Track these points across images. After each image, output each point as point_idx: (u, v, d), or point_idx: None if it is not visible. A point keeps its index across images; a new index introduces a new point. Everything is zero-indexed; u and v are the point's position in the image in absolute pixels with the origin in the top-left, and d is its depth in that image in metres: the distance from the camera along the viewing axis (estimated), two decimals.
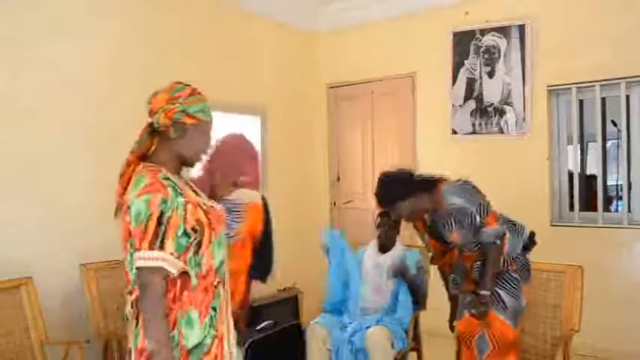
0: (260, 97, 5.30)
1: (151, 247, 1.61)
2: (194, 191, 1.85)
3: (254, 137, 5.25)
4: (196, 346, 1.70)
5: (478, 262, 2.79)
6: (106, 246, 3.76)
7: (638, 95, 4.34)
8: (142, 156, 1.79)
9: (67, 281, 3.56)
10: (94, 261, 3.58)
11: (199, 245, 1.73)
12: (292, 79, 5.77)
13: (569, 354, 3.01)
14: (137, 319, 1.70)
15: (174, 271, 1.65)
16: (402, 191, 2.74)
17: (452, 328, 3.11)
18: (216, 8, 4.85)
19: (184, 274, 1.70)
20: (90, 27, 3.86)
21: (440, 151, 5.13)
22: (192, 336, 1.70)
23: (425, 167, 5.23)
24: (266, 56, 5.39)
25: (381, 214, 3.75)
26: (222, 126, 4.88)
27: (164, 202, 1.63)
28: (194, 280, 1.71)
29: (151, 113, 1.81)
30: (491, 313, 2.71)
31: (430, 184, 2.78)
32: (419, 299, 3.63)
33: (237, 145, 2.84)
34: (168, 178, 1.71)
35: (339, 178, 5.86)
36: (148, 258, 1.61)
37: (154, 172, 1.71)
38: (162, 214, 1.62)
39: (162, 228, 1.62)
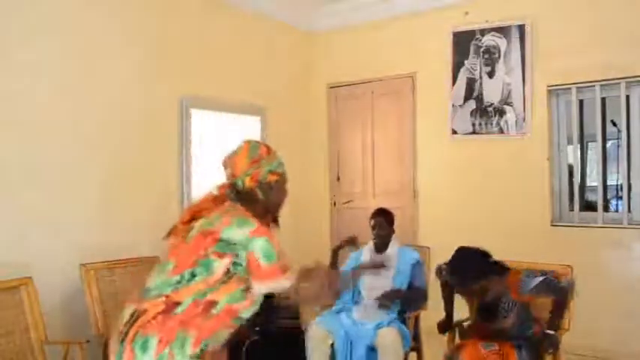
0: (260, 97, 5.30)
1: (281, 276, 1.76)
2: None
3: (254, 137, 5.28)
4: None
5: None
6: (106, 246, 3.78)
7: (638, 95, 4.34)
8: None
9: (67, 281, 3.57)
10: (94, 261, 3.58)
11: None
12: (292, 79, 5.77)
13: (560, 353, 3.02)
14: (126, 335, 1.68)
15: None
16: (475, 271, 2.85)
17: (443, 330, 3.21)
18: (217, 8, 4.85)
19: (212, 302, 1.72)
20: (86, 26, 3.86)
21: (440, 151, 5.14)
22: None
23: (426, 167, 5.25)
24: (266, 56, 5.39)
25: (373, 215, 3.77)
26: (223, 126, 4.92)
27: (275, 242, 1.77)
28: (217, 309, 1.73)
29: (232, 177, 1.86)
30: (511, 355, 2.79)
31: (503, 269, 2.89)
32: (418, 293, 3.62)
33: None
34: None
35: (339, 178, 5.86)
36: (278, 286, 1.78)
37: (263, 227, 1.79)
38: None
39: (284, 260, 1.77)
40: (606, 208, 4.74)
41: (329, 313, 3.61)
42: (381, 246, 3.74)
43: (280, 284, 1.76)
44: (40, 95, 3.57)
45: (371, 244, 3.81)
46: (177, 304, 1.69)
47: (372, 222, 3.77)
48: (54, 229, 3.61)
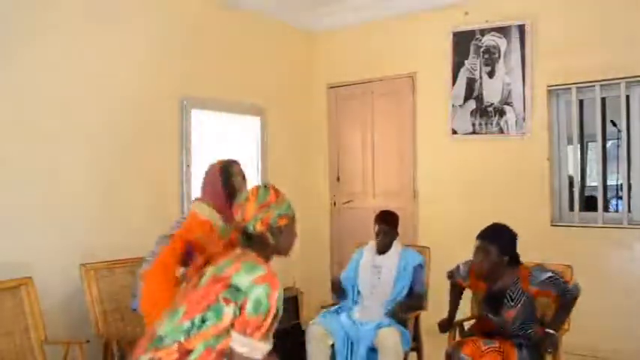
0: (260, 97, 5.30)
1: (262, 340, 1.71)
2: None
3: (254, 137, 5.29)
4: None
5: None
6: (106, 246, 3.78)
7: (638, 95, 4.34)
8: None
9: (67, 281, 3.57)
10: (94, 261, 3.58)
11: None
12: (292, 79, 5.78)
13: (560, 353, 3.03)
14: None
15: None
16: (504, 243, 2.91)
17: (443, 330, 3.21)
18: (217, 8, 4.85)
19: (223, 352, 1.72)
20: (87, 27, 3.86)
21: (440, 151, 5.14)
22: None
23: (425, 167, 5.25)
24: (266, 56, 5.39)
25: (377, 220, 3.75)
26: (223, 126, 4.92)
27: (279, 299, 1.73)
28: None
29: (243, 221, 1.89)
30: (511, 354, 2.82)
31: (517, 260, 2.97)
32: (417, 298, 3.63)
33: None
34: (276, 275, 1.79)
35: (339, 178, 5.86)
36: (255, 348, 1.70)
37: (267, 263, 1.82)
38: (277, 311, 1.72)
39: (274, 323, 1.72)
40: (606, 208, 4.74)
41: (329, 313, 3.61)
42: (382, 248, 3.72)
43: (252, 346, 1.69)
44: (42, 95, 3.58)
45: (373, 244, 3.79)
46: (190, 351, 1.69)
47: (376, 228, 3.73)
48: (54, 229, 3.61)
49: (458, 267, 3.25)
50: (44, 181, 3.58)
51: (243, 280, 1.72)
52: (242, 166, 2.86)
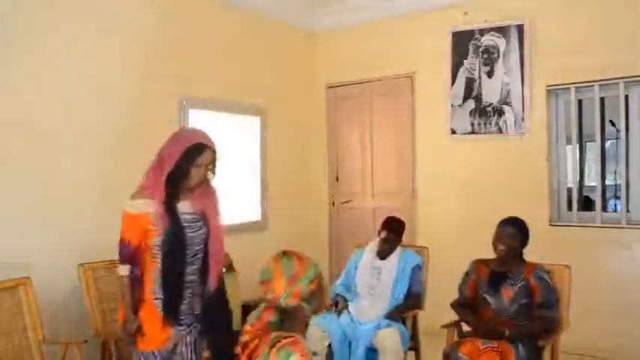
0: (260, 97, 5.30)
1: None
2: None
3: (254, 137, 5.29)
4: None
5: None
6: (104, 246, 3.78)
7: (637, 95, 4.34)
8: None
9: (65, 281, 3.57)
10: (93, 261, 3.58)
11: None
12: (292, 79, 5.78)
13: (558, 352, 3.07)
14: None
15: None
16: (527, 230, 3.12)
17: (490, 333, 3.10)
18: (216, 8, 4.85)
19: None
20: (86, 27, 3.86)
21: (439, 151, 5.14)
22: None
23: (424, 167, 5.25)
24: (265, 56, 5.39)
25: (384, 227, 3.72)
26: (223, 126, 4.92)
27: None
28: None
29: (275, 299, 1.88)
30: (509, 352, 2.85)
31: (521, 255, 3.14)
32: (415, 298, 3.64)
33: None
34: (314, 354, 1.91)
35: (338, 178, 5.86)
36: None
37: (298, 345, 1.79)
38: None
39: None
40: (605, 208, 4.74)
41: (327, 314, 3.61)
42: (384, 254, 3.72)
43: None
44: (41, 95, 3.58)
45: (373, 244, 3.79)
46: None
47: (383, 235, 3.71)
48: (53, 229, 3.61)
49: (459, 290, 3.26)
50: (43, 181, 3.58)
51: None
52: (217, 154, 2.50)
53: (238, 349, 1.90)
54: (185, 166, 2.39)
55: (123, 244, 2.42)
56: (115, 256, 3.67)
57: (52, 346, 3.15)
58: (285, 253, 1.94)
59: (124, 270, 2.40)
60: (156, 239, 2.35)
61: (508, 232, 3.08)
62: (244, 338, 1.89)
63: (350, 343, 3.41)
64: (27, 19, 3.52)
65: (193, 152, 2.40)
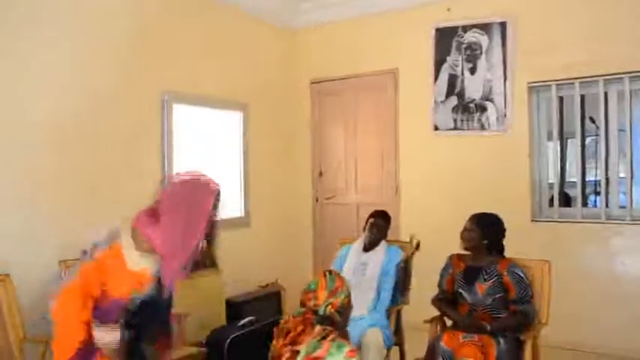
0: (242, 93, 5.27)
1: None
2: None
3: (236, 133, 5.26)
4: None
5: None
6: (85, 243, 3.73)
7: (616, 92, 4.41)
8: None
9: (46, 278, 3.51)
10: (74, 257, 3.53)
11: None
12: (275, 75, 5.75)
13: (538, 347, 3.10)
14: None
15: None
16: (488, 224, 3.16)
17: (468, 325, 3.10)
18: (198, 3, 4.81)
19: None
20: (68, 21, 3.80)
21: (422, 147, 5.16)
22: None
23: (407, 162, 5.27)
24: (248, 52, 5.36)
25: (373, 216, 3.79)
26: (205, 121, 4.89)
27: None
28: None
29: (315, 306, 2.22)
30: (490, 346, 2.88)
31: (501, 251, 3.20)
32: (401, 294, 3.66)
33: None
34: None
35: (321, 174, 5.86)
36: None
37: (348, 340, 2.14)
38: None
39: None
40: (585, 204, 4.80)
41: None
42: (369, 246, 3.74)
43: None
44: (21, 88, 3.51)
45: (359, 242, 3.80)
46: None
47: (372, 221, 3.77)
48: (32, 225, 3.55)
49: (439, 285, 3.32)
50: (22, 177, 3.52)
51: (334, 358, 2.01)
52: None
53: (276, 331, 2.18)
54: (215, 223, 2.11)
55: (116, 300, 1.97)
56: None
57: (33, 344, 3.10)
58: (330, 272, 2.32)
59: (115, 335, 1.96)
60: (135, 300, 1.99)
61: (468, 227, 3.16)
62: (286, 325, 2.17)
63: None
64: (12, 11, 3.44)
65: (219, 194, 2.16)
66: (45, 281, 3.51)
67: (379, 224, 3.75)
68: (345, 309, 2.26)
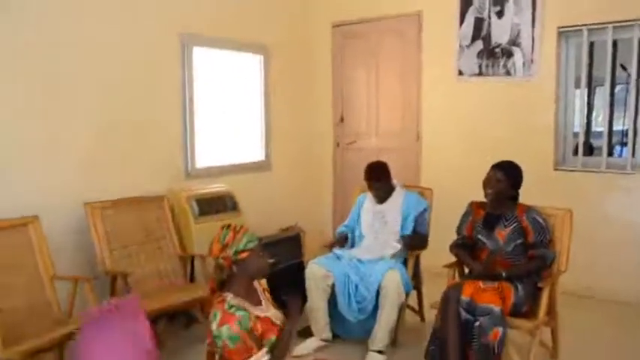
0: (263, 35, 5.18)
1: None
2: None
3: (257, 76, 5.21)
4: None
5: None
6: (110, 186, 3.82)
7: None
8: (222, 283, 2.29)
9: (74, 220, 3.61)
10: (100, 199, 3.62)
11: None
12: (296, 18, 5.63)
13: (556, 293, 3.14)
14: None
15: None
16: (516, 174, 3.18)
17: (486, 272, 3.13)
18: None
19: None
20: None
21: (445, 92, 5.07)
22: None
23: (430, 108, 5.20)
24: None
25: (366, 177, 3.71)
26: (225, 64, 4.84)
27: (239, 323, 2.14)
28: None
29: (213, 258, 2.29)
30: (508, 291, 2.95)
31: (516, 199, 3.22)
32: (421, 239, 3.69)
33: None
34: (232, 306, 2.18)
35: (342, 119, 5.82)
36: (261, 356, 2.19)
37: (221, 303, 2.20)
38: (249, 331, 2.16)
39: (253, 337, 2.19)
40: (610, 154, 4.71)
41: (329, 257, 3.65)
42: (381, 200, 3.74)
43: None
44: (41, 39, 3.50)
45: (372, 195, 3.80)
46: None
47: (369, 185, 3.73)
48: (59, 168, 3.62)
49: (457, 230, 3.35)
50: (49, 121, 3.56)
51: (213, 327, 2.14)
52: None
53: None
54: None
55: None
56: (120, 195, 3.73)
57: (62, 282, 3.22)
58: (228, 226, 2.31)
59: None
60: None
61: (495, 177, 3.14)
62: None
63: (352, 283, 3.47)
64: None
65: None
66: (73, 223, 3.63)
67: (374, 186, 3.69)
68: (241, 262, 2.24)
